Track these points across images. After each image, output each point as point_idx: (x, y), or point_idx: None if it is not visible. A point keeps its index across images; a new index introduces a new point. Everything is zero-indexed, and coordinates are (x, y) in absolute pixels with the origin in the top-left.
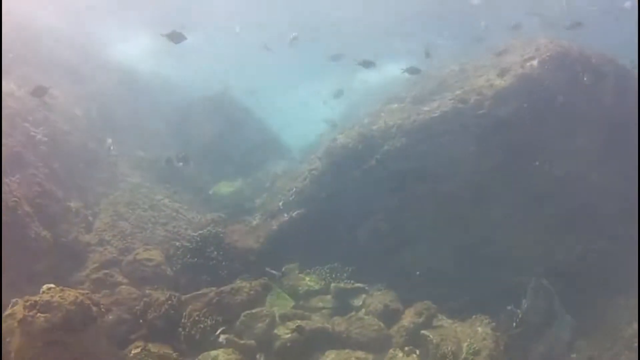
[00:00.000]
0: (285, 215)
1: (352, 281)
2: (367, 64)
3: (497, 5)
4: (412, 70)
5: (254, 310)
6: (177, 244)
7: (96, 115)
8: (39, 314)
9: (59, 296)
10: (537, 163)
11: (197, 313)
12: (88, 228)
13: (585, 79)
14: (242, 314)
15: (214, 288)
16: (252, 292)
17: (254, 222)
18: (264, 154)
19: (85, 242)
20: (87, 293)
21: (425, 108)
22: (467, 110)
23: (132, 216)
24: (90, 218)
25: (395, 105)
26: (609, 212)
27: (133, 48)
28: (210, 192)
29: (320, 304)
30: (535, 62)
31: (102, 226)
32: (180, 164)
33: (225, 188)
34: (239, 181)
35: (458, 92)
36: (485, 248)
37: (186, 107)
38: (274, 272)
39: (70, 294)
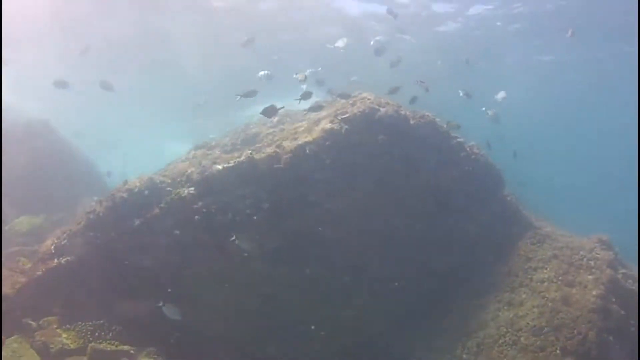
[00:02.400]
0: (55, 260)
1: (116, 342)
2: (250, 94)
3: None
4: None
5: None
6: None
7: None
8: None
9: None
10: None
11: None
12: None
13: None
14: None
15: None
16: None
17: (27, 265)
18: (82, 190)
19: None
20: None
21: (226, 157)
22: (262, 164)
23: None
24: None
25: (201, 152)
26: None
27: None
28: (6, 227)
29: None
30: (345, 117)
31: None
32: None
33: (23, 224)
34: (42, 217)
35: (260, 144)
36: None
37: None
38: (31, 322)
39: None
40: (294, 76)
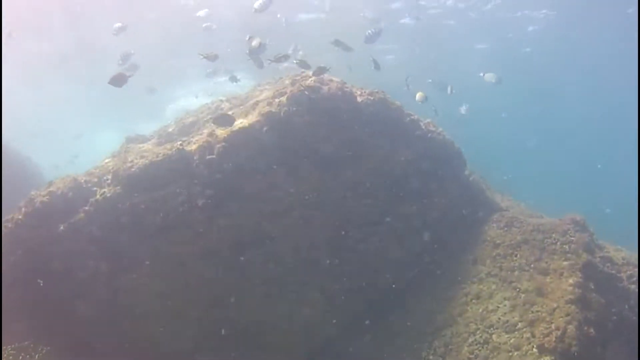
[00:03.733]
0: None
1: None
2: (211, 57)
3: None
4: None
5: None
6: None
7: None
8: None
9: None
10: None
11: None
12: None
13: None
14: None
15: None
16: None
17: None
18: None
19: None
20: None
21: (157, 150)
22: (193, 155)
23: None
24: None
25: (133, 145)
26: None
27: None
28: None
29: None
30: (284, 99)
31: None
32: None
33: None
34: None
35: (195, 133)
36: None
37: None
38: None
39: None
40: (246, 39)
